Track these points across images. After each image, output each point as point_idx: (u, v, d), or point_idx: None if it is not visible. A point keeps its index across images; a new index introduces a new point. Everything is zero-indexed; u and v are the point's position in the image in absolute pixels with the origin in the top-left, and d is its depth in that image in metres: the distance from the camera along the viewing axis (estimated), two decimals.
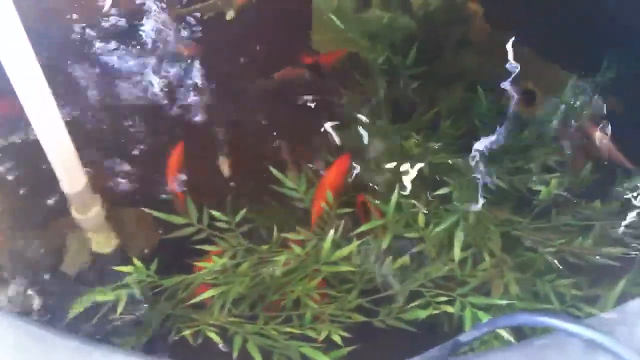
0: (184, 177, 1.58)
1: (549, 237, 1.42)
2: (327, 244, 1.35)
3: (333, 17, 1.84)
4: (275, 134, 1.69)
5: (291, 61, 1.87)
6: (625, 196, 1.50)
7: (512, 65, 1.76)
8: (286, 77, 1.84)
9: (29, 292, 1.44)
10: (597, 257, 1.39)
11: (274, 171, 1.50)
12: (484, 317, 1.24)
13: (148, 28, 1.90)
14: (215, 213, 1.43)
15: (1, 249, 1.51)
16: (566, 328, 0.74)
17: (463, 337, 0.87)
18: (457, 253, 1.37)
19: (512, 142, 1.65)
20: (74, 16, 1.92)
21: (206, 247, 1.40)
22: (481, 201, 1.51)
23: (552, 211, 1.48)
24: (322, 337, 1.26)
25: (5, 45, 1.13)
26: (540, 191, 1.49)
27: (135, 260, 1.35)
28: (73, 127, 1.34)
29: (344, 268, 1.35)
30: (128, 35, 1.88)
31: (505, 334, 1.18)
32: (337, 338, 1.26)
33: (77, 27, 1.89)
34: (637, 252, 1.38)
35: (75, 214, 1.47)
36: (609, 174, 1.55)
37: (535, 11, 1.87)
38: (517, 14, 1.86)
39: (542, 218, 1.47)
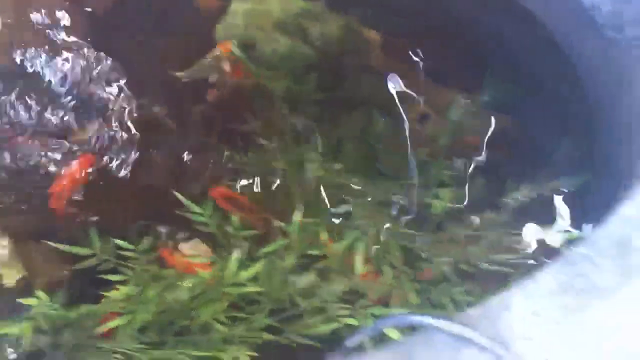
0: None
1: (444, 248, 1.51)
2: (232, 265, 1.39)
3: (234, 47, 1.90)
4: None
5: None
6: (513, 206, 1.60)
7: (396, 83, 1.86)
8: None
9: None
10: (489, 264, 1.48)
11: (179, 196, 1.52)
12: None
13: None
14: (119, 242, 1.45)
15: None
16: (433, 325, 0.81)
17: (349, 343, 0.92)
18: (358, 267, 1.44)
19: (409, 160, 1.74)
20: None
21: (111, 277, 1.41)
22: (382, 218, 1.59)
23: (447, 224, 1.57)
24: (231, 358, 1.29)
25: None
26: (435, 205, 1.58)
27: (40, 293, 1.35)
28: None
29: (250, 289, 1.39)
30: None
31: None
32: (245, 358, 1.29)
33: None
34: (525, 257, 1.48)
35: None
36: (500, 186, 1.66)
37: (431, 39, 2.00)
38: (413, 42, 1.98)
39: (439, 230, 1.56)
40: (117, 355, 1.27)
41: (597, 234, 0.91)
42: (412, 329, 0.88)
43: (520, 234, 1.53)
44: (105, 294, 1.38)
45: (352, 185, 1.65)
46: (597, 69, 1.71)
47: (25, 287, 1.49)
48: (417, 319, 0.82)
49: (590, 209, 1.41)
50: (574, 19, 1.69)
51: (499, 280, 1.46)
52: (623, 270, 0.87)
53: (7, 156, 1.68)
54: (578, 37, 1.74)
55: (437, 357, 0.79)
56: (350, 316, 1.36)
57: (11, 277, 1.49)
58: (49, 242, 1.45)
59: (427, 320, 0.81)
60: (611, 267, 0.87)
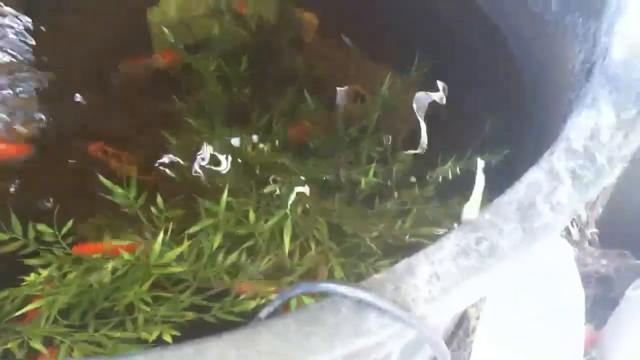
0: None
1: (372, 223, 1.52)
2: (156, 246, 1.37)
3: (165, 29, 1.87)
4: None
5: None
6: (439, 180, 1.63)
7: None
8: (130, 70, 1.86)
9: None
10: (414, 238, 1.50)
11: (102, 179, 1.49)
12: (308, 301, 1.31)
13: None
14: (40, 226, 1.41)
15: None
16: (338, 290, 0.81)
17: (262, 314, 0.92)
18: (286, 244, 1.44)
19: (341, 138, 1.75)
20: None
21: (32, 261, 1.38)
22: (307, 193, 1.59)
23: (375, 199, 1.58)
24: (152, 337, 1.28)
25: None
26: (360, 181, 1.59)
27: None
28: None
29: (176, 269, 1.38)
30: None
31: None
32: (167, 338, 1.28)
33: None
34: (447, 229, 1.50)
35: None
36: (426, 162, 1.68)
37: (364, 13, 2.01)
38: (348, 17, 1.99)
39: (366, 206, 1.58)
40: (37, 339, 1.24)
41: (502, 200, 0.93)
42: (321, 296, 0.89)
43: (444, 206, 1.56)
44: (25, 277, 1.35)
45: (283, 164, 1.64)
46: (530, 44, 1.74)
47: None
48: (322, 285, 0.83)
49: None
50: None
51: None
52: (525, 234, 0.89)
53: None
54: (510, 14, 1.77)
55: (342, 321, 0.80)
56: (275, 292, 1.36)
57: None
58: None
59: (332, 286, 0.82)
60: (514, 230, 0.89)
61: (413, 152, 1.73)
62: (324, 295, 0.85)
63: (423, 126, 1.77)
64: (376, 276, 0.87)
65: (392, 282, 0.85)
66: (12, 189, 1.58)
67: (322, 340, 0.79)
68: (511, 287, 1.71)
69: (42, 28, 2.00)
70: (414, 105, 1.82)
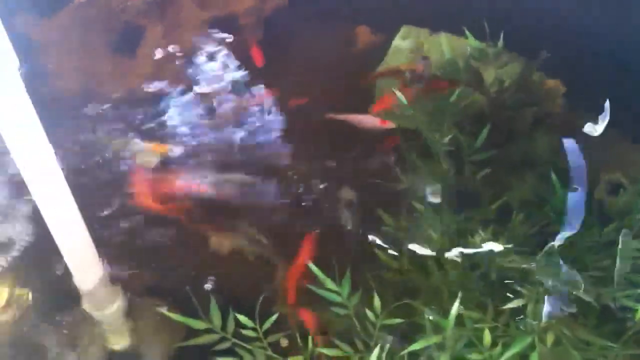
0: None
1: None
2: None
3: (397, 92, 1.63)
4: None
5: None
6: None
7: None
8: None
9: None
10: None
11: (314, 268, 1.28)
12: None
13: None
14: (241, 318, 1.22)
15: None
16: None
17: None
18: None
19: (595, 239, 1.40)
20: None
21: None
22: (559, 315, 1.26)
23: None
24: None
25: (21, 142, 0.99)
26: (633, 309, 1.22)
27: None
28: None
29: None
30: None
31: None
32: None
33: None
34: None
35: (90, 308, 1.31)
36: None
37: (623, 90, 1.65)
38: (602, 93, 1.63)
39: (636, 343, 1.20)
40: None
41: None
42: None
43: None
44: None
45: (529, 271, 1.32)
46: None
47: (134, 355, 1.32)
48: None
49: None
50: None
51: None
52: None
53: None
54: None
55: None
56: None
57: (119, 342, 1.32)
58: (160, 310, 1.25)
59: None
60: None
61: None
62: None
63: None
64: None
65: None
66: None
67: None
68: None
69: None
70: None
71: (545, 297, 1.27)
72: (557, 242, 1.38)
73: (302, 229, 1.49)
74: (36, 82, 1.75)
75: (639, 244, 1.34)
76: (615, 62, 1.73)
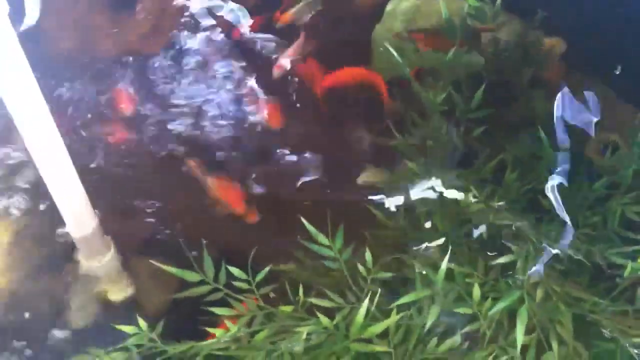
0: None
1: (634, 325, 1.17)
2: (359, 316, 1.13)
3: (390, 47, 1.62)
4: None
5: None
6: None
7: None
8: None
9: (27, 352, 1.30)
10: None
11: (306, 223, 1.29)
12: None
13: None
14: (233, 270, 1.24)
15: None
16: None
17: None
18: (519, 338, 1.13)
19: (585, 195, 1.40)
20: None
21: (220, 311, 1.20)
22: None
23: (638, 291, 1.22)
24: None
25: (9, 84, 1.00)
26: (623, 266, 1.22)
27: (141, 321, 1.19)
28: None
29: (378, 347, 1.13)
30: None
31: None
32: None
33: None
34: None
35: (83, 260, 1.33)
36: None
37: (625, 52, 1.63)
38: (602, 53, 1.62)
39: (626, 300, 1.22)
40: None
41: None
42: None
43: None
44: (209, 330, 1.18)
45: (519, 228, 1.33)
46: None
47: (132, 307, 1.34)
48: None
49: None
50: None
51: None
52: None
53: None
54: None
55: None
56: None
57: (117, 294, 1.35)
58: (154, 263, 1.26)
59: None
60: None
61: None
62: None
63: None
64: None
65: None
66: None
67: None
68: None
69: None
70: None
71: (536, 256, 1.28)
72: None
73: None
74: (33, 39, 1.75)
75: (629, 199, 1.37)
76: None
